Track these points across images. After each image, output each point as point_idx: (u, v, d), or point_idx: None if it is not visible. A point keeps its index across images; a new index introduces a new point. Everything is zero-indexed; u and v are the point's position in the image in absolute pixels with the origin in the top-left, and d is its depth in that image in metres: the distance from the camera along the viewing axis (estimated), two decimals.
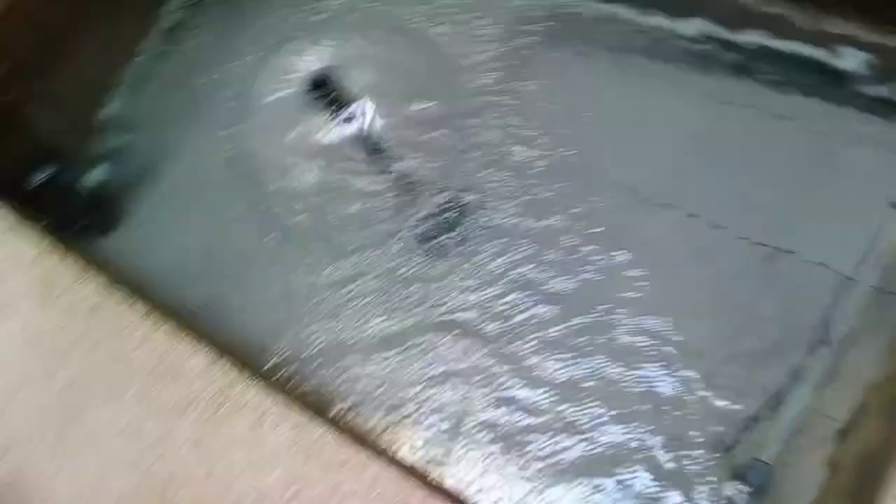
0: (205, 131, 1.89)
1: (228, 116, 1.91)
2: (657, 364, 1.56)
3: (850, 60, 1.76)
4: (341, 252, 1.71)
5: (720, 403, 1.52)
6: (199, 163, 1.86)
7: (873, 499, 1.07)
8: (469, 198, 1.76)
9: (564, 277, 1.66)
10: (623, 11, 1.92)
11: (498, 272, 1.67)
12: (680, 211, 1.70)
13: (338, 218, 1.74)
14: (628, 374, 1.56)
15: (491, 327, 1.63)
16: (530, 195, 1.75)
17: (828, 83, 1.77)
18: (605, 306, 1.61)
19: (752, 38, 1.84)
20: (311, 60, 1.90)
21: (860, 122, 1.72)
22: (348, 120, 1.83)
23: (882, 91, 1.74)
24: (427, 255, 1.70)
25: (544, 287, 1.65)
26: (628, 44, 1.90)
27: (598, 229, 1.70)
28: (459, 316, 1.65)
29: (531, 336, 1.60)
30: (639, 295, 1.63)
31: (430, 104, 1.86)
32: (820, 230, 1.62)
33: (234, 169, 1.85)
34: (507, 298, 1.64)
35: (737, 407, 1.51)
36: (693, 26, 1.88)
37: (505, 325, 1.62)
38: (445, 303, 1.67)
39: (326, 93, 1.79)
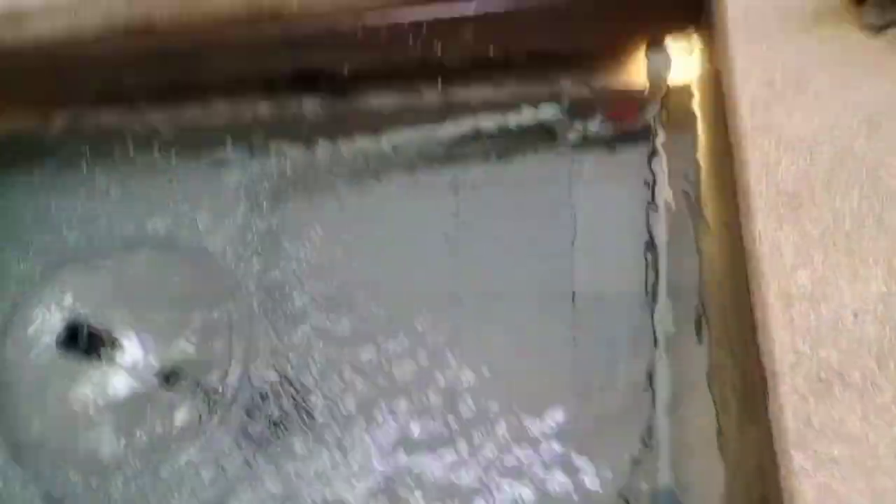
0: None
1: None
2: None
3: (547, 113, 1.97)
4: None
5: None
6: None
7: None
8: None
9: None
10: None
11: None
12: (467, 297, 1.77)
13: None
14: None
15: None
16: (336, 344, 1.73)
17: (536, 138, 1.96)
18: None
19: (457, 127, 2.00)
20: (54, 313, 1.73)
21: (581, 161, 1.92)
22: (120, 365, 1.70)
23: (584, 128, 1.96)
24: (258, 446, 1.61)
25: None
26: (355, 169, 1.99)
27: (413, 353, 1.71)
28: None
29: None
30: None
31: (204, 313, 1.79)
32: (597, 267, 1.77)
33: None
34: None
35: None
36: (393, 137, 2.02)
37: None
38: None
39: (84, 345, 1.63)
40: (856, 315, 1.15)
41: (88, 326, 1.64)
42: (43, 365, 1.72)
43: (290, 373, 1.75)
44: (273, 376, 1.75)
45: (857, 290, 1.17)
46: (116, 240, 1.96)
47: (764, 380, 1.26)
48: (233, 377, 1.73)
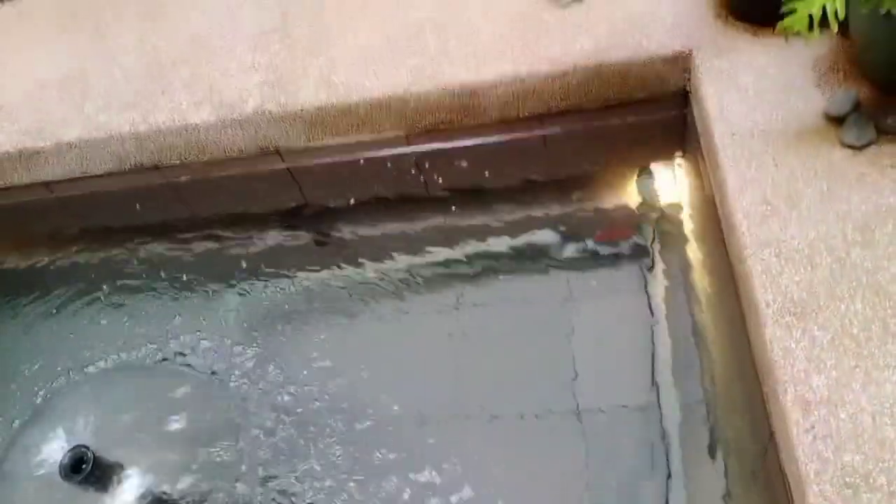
0: None
1: None
2: None
3: (544, 236, 2.05)
4: None
5: None
6: None
7: None
8: None
9: None
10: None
11: None
12: (478, 416, 1.77)
13: None
14: None
15: None
16: (337, 475, 1.71)
17: (534, 259, 2.03)
18: None
19: (452, 252, 2.07)
20: (57, 442, 1.70)
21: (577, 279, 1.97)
22: (122, 492, 1.65)
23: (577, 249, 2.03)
24: None
25: None
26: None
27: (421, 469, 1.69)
28: None
29: None
30: None
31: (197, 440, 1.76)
32: (600, 378, 1.78)
33: None
34: None
35: None
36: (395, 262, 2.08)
37: None
38: None
39: (86, 475, 1.59)
40: (874, 418, 1.18)
41: (95, 456, 1.61)
42: (44, 491, 1.66)
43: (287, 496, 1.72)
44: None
45: (871, 392, 1.19)
46: (122, 366, 1.95)
47: (789, 488, 1.26)
48: None
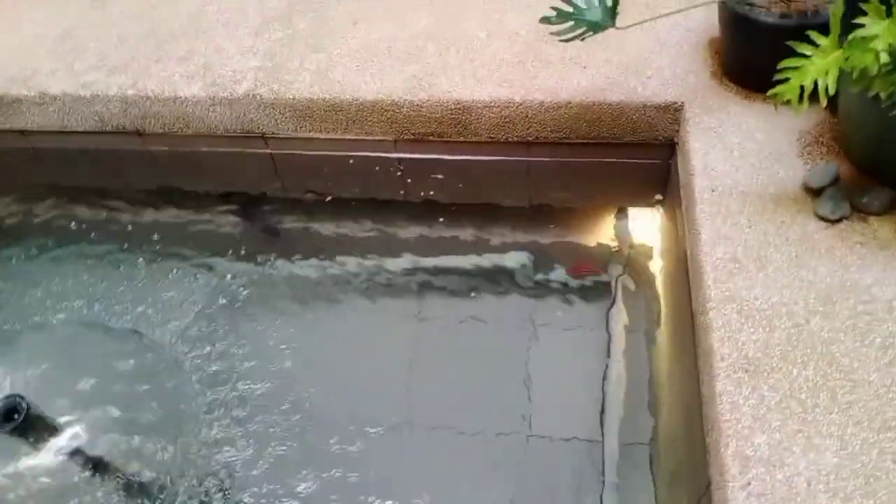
0: None
1: None
2: None
3: (515, 260, 2.06)
4: None
5: None
6: None
7: None
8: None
9: None
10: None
11: None
12: (422, 426, 1.76)
13: None
14: None
15: None
16: (273, 461, 1.69)
17: (502, 281, 2.03)
18: None
19: (420, 261, 2.07)
20: None
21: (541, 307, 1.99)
22: (53, 443, 1.61)
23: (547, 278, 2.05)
24: None
25: None
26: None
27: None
28: None
29: None
30: None
31: (142, 406, 1.73)
32: (550, 407, 1.79)
33: None
34: None
35: None
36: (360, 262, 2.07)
37: None
38: None
39: (19, 423, 1.55)
40: (809, 483, 1.20)
41: (28, 407, 1.57)
42: None
43: (218, 479, 1.70)
44: (202, 482, 1.69)
45: (811, 458, 1.22)
46: (75, 324, 1.92)
47: None
48: (165, 477, 1.66)
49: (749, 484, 1.22)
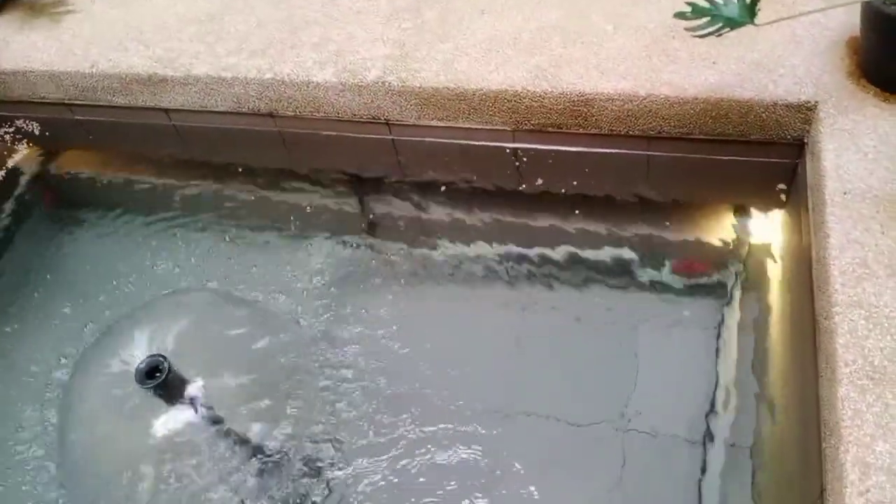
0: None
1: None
2: None
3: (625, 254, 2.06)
4: None
5: None
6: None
7: None
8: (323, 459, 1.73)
9: None
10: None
11: None
12: (524, 417, 1.80)
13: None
14: None
15: None
16: (380, 436, 1.75)
17: (612, 275, 2.04)
18: None
19: (530, 251, 2.09)
20: (135, 348, 1.80)
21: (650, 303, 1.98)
22: (186, 404, 1.74)
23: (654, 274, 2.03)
24: None
25: None
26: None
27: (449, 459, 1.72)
28: None
29: None
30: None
31: (264, 372, 1.84)
32: (655, 404, 1.79)
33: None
34: None
35: None
36: (472, 249, 2.11)
37: None
38: None
39: (161, 381, 1.68)
40: None
41: (170, 368, 1.70)
42: (117, 391, 1.78)
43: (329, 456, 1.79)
44: (316, 454, 1.79)
45: None
46: (206, 293, 2.06)
47: None
48: (281, 445, 1.77)
49: (868, 491, 1.20)
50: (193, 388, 1.77)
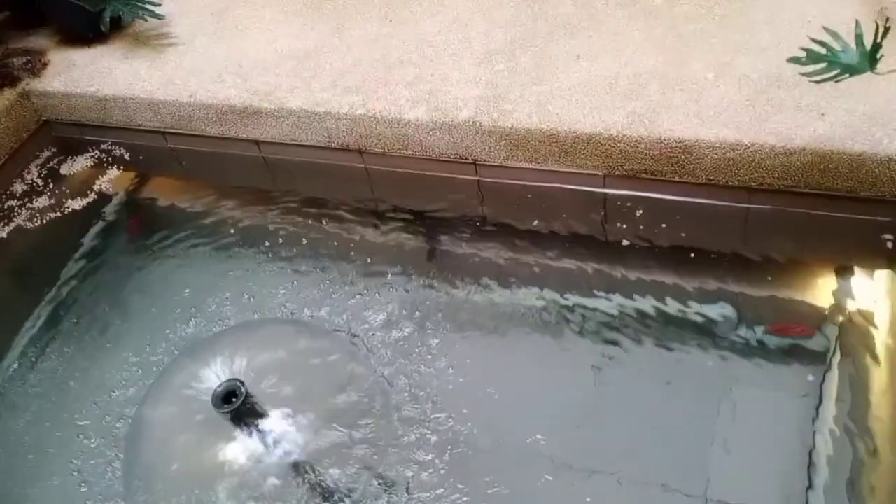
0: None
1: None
2: None
3: (717, 311, 1.97)
4: None
5: None
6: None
7: None
8: None
9: None
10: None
11: None
12: (603, 473, 1.70)
13: None
14: None
15: None
16: (450, 489, 1.69)
17: (699, 331, 1.95)
18: None
19: (618, 302, 2.01)
20: (213, 372, 1.79)
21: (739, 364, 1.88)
22: (261, 434, 1.71)
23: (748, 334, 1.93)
24: None
25: None
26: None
27: None
28: None
29: None
30: None
31: (338, 407, 1.80)
32: (742, 474, 1.67)
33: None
34: None
35: None
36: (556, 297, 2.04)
37: None
38: None
39: (236, 407, 1.66)
40: None
41: (247, 394, 1.68)
42: (192, 414, 1.76)
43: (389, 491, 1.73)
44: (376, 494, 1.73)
45: None
46: (287, 321, 2.05)
47: None
48: (356, 486, 1.72)
49: None
50: (269, 418, 1.75)
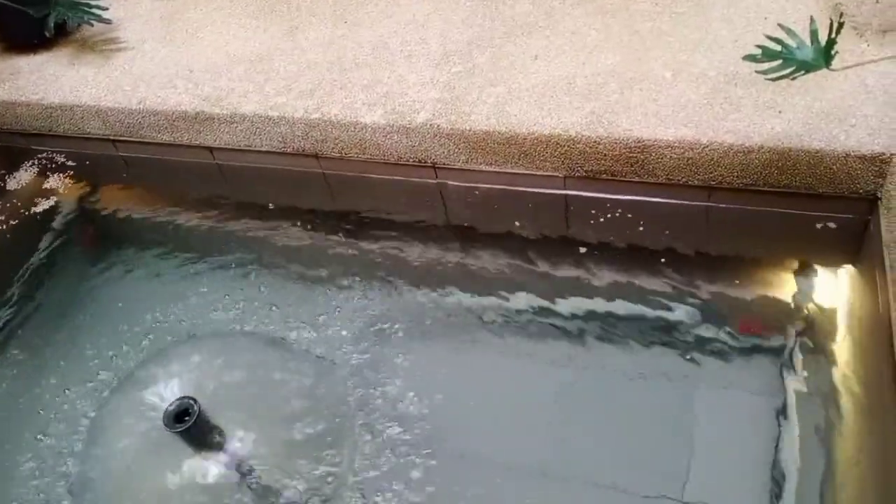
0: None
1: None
2: None
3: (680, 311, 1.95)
4: None
5: None
6: None
7: None
8: None
9: None
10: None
11: None
12: (571, 480, 1.67)
13: None
14: None
15: None
16: (418, 495, 1.66)
17: (664, 332, 1.93)
18: None
19: (582, 304, 1.99)
20: (166, 390, 1.73)
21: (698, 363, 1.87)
22: (216, 451, 1.65)
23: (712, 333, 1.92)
24: None
25: None
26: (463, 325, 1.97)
27: None
28: None
29: None
30: None
31: (305, 422, 1.75)
32: (711, 476, 1.66)
33: None
34: None
35: None
36: (521, 300, 2.01)
37: None
38: None
39: (189, 425, 1.60)
40: None
41: (200, 410, 1.62)
42: (144, 434, 1.70)
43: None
44: None
45: None
46: (241, 334, 1.99)
47: None
48: (309, 495, 1.67)
49: None
50: (223, 436, 1.69)
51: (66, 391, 1.95)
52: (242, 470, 1.68)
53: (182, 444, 1.67)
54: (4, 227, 2.44)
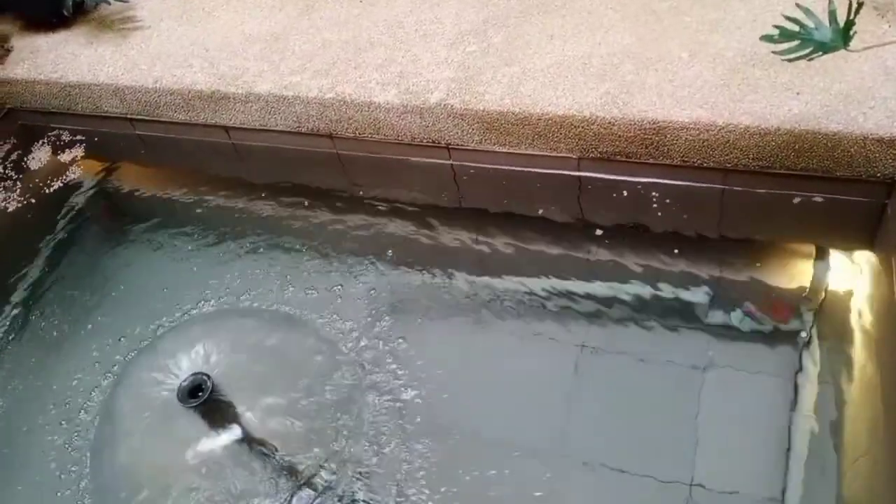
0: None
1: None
2: None
3: (695, 294, 1.94)
4: None
5: None
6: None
7: None
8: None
9: None
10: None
11: None
12: (580, 461, 1.68)
13: None
14: None
15: None
16: (425, 473, 1.68)
17: (677, 315, 1.92)
18: None
19: (595, 287, 1.98)
20: (180, 366, 1.75)
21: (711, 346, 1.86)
22: (226, 425, 1.68)
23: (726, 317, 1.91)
24: None
25: None
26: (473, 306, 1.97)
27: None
28: None
29: None
30: None
31: (316, 399, 1.77)
32: (723, 458, 1.65)
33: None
34: None
35: None
36: (534, 282, 2.00)
37: None
38: None
39: (202, 400, 1.63)
40: None
41: (213, 389, 1.64)
42: (158, 409, 1.73)
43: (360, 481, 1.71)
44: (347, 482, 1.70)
45: None
46: (254, 311, 2.01)
47: None
48: (320, 479, 1.69)
49: None
50: (237, 411, 1.71)
51: (82, 364, 1.99)
52: (254, 444, 1.71)
53: (195, 419, 1.70)
54: (24, 203, 2.47)
